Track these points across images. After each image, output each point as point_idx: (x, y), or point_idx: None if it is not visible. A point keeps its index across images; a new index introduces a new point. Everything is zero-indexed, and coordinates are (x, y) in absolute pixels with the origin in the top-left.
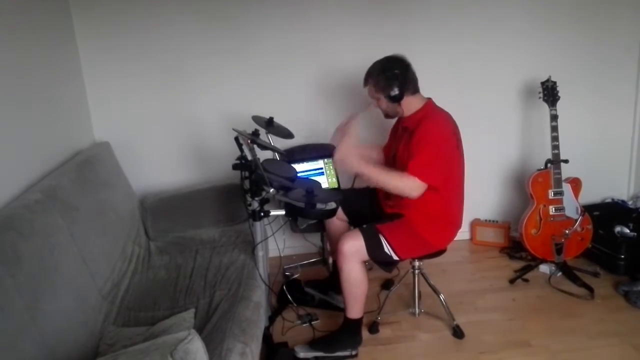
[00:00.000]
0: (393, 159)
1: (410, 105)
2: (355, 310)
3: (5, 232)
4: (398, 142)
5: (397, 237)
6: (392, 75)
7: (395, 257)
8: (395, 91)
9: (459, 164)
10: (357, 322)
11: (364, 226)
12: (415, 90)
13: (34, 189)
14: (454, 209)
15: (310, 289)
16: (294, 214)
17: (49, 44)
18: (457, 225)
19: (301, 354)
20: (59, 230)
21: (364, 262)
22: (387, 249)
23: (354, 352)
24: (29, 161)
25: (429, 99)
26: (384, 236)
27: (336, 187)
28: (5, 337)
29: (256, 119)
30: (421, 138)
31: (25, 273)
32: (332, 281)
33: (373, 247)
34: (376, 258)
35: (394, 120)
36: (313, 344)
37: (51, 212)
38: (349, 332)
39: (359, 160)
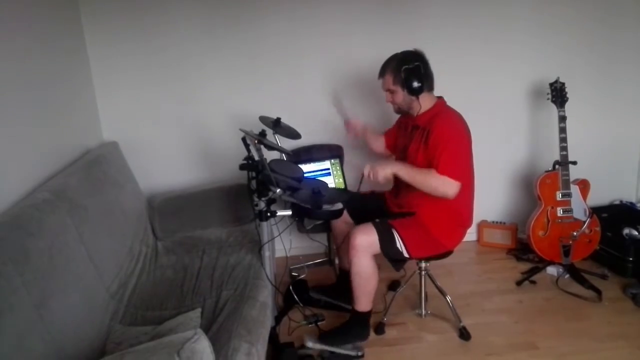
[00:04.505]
0: (403, 153)
1: (425, 102)
2: (363, 303)
3: (14, 231)
4: (408, 138)
5: (409, 234)
6: (413, 68)
7: (406, 254)
8: (416, 84)
9: (471, 163)
10: (366, 315)
11: (377, 220)
12: (431, 87)
13: (42, 189)
14: (465, 209)
15: (316, 294)
16: (300, 215)
17: (58, 45)
18: (468, 225)
19: (309, 343)
20: (67, 230)
21: (375, 256)
22: (399, 245)
23: (360, 353)
24: (37, 161)
25: (440, 97)
26: (397, 231)
27: (343, 187)
28: (14, 334)
29: (263, 119)
30: (440, 139)
31: (33, 272)
32: (339, 287)
33: (386, 241)
34: (388, 253)
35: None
36: (321, 337)
37: (59, 211)
38: (358, 325)
39: (388, 163)
